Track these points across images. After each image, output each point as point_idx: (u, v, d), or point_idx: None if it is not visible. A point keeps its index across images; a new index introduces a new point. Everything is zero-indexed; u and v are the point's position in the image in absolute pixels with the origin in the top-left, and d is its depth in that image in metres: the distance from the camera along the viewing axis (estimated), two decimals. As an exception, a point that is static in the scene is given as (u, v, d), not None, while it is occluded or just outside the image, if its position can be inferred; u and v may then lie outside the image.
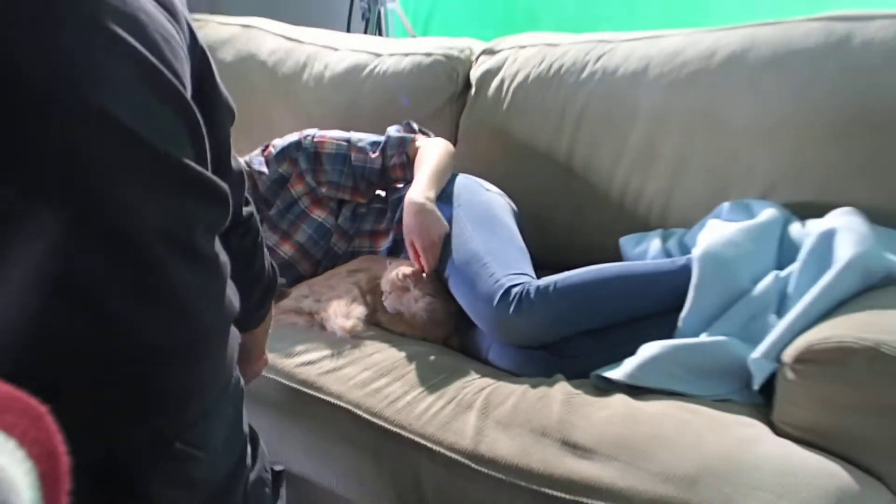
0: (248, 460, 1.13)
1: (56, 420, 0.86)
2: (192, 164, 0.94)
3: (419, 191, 1.66)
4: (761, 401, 1.28)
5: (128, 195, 0.88)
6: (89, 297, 0.87)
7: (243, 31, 2.42)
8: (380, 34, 3.31)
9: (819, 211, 1.47)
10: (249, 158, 1.88)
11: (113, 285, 0.88)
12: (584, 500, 1.17)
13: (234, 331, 1.08)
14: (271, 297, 1.30)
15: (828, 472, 1.11)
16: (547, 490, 1.20)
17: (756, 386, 1.28)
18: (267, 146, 1.88)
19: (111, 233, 0.88)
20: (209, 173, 0.97)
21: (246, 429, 1.13)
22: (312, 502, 1.64)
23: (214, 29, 2.48)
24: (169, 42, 0.94)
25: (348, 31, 3.25)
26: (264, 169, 1.84)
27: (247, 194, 1.18)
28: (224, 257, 1.03)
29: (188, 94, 0.96)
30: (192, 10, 2.49)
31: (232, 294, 1.05)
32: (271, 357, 1.55)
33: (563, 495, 1.19)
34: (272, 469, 1.24)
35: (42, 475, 0.35)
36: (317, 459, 1.54)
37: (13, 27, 0.82)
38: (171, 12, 0.99)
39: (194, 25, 1.06)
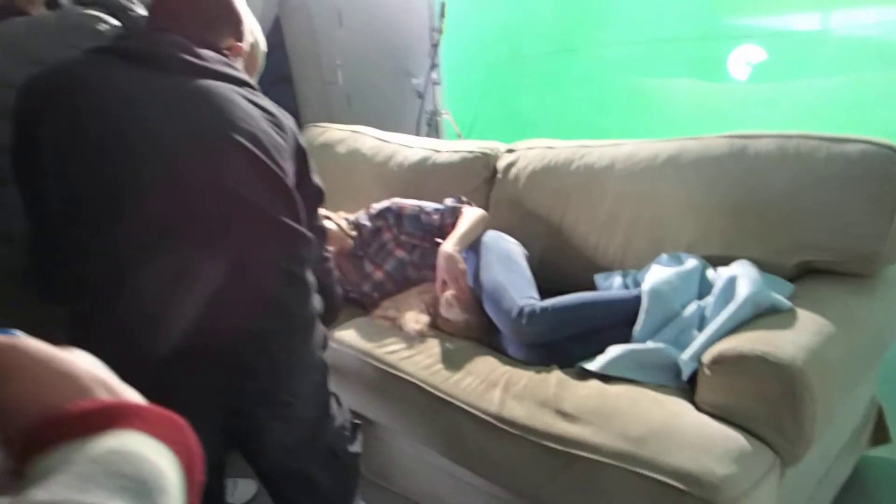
0: (333, 411, 1.14)
1: (211, 378, 0.87)
2: (288, 220, 0.99)
3: (448, 244, 1.67)
4: (686, 387, 1.27)
5: (255, 242, 0.95)
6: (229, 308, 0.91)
7: (352, 135, 2.46)
8: (438, 135, 3.35)
9: (724, 261, 1.45)
10: (357, 216, 1.91)
11: (244, 297, 0.93)
12: (571, 450, 1.18)
13: (320, 326, 1.09)
14: (333, 312, 1.31)
15: (731, 436, 1.11)
16: (546, 443, 1.21)
17: (684, 377, 1.27)
18: (369, 208, 1.91)
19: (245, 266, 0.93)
20: (298, 225, 1.01)
21: (331, 388, 1.14)
22: (387, 447, 1.64)
23: (333, 133, 2.53)
24: (277, 148, 1.00)
25: (417, 133, 3.28)
26: (367, 223, 1.87)
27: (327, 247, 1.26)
28: (311, 279, 1.06)
29: (289, 179, 1.01)
30: (315, 120, 2.55)
31: (317, 302, 1.07)
32: (367, 346, 1.57)
33: (556, 446, 1.20)
34: (352, 421, 1.23)
35: (184, 466, 0.34)
36: (392, 418, 1.54)
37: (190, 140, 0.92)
38: (281, 129, 1.04)
39: (300, 136, 1.12)
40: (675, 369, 1.29)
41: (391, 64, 3.75)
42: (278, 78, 4.17)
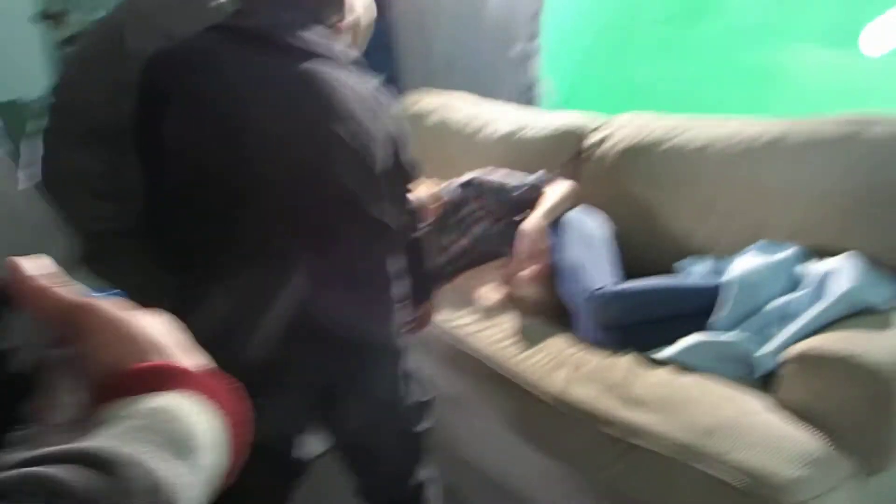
0: (406, 393, 1.14)
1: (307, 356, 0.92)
2: (374, 213, 1.02)
3: (533, 218, 1.68)
4: (763, 384, 1.22)
5: (342, 233, 1.00)
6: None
7: (446, 103, 2.49)
8: (536, 104, 3.29)
9: (832, 253, 1.35)
10: (441, 187, 1.94)
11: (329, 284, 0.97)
12: (632, 439, 1.17)
13: (398, 318, 1.10)
14: (428, 289, 1.32)
15: (807, 439, 1.06)
16: (608, 429, 1.21)
17: (757, 374, 1.22)
18: (452, 180, 1.94)
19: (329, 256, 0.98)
20: (382, 216, 1.03)
21: (404, 371, 1.14)
22: (457, 417, 1.68)
23: (428, 101, 2.56)
24: (370, 136, 1.02)
25: (516, 101, 3.23)
26: (451, 195, 1.90)
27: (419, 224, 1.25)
28: (393, 268, 1.08)
29: (377, 167, 1.03)
30: (413, 87, 2.58)
31: (397, 288, 1.09)
32: (439, 318, 1.61)
33: (618, 434, 1.19)
34: (424, 399, 1.23)
35: (230, 427, 0.36)
36: (460, 390, 1.57)
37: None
38: (376, 117, 1.05)
39: (396, 118, 1.13)
40: (752, 364, 1.24)
41: (493, 31, 3.70)
42: (380, 45, 4.25)
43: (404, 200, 1.17)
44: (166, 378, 0.34)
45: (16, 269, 0.34)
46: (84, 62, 1.17)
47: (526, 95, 3.33)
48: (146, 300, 0.44)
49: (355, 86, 1.03)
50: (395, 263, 1.09)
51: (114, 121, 1.02)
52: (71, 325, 0.35)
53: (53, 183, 1.13)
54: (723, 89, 2.99)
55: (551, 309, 1.62)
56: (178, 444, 0.31)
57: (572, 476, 1.31)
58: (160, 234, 1.00)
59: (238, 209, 0.93)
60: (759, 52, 3.05)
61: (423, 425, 1.20)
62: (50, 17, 2.73)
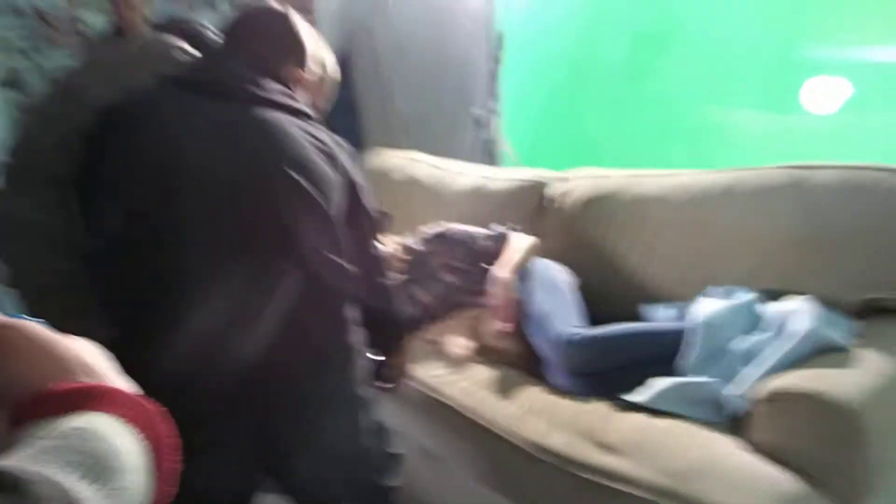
0: (373, 445, 1.11)
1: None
2: (330, 254, 1.00)
3: (503, 269, 1.69)
4: (733, 424, 1.22)
5: (295, 275, 0.96)
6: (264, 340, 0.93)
7: (409, 162, 2.53)
8: (495, 163, 3.37)
9: (782, 296, 1.40)
10: (408, 240, 1.94)
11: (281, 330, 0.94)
12: (610, 483, 1.15)
13: (360, 361, 1.08)
14: (400, 339, 1.29)
15: (783, 478, 1.06)
16: (585, 475, 1.19)
17: (727, 413, 1.23)
18: (419, 233, 1.95)
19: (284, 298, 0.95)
20: (336, 258, 1.02)
21: (370, 423, 1.11)
22: (430, 473, 1.64)
23: (390, 159, 2.60)
24: (325, 179, 1.02)
25: (473, 161, 3.30)
26: (418, 247, 1.90)
27: (388, 272, 1.24)
28: (351, 314, 1.06)
29: (333, 210, 1.03)
30: (372, 146, 2.62)
31: (357, 336, 1.08)
32: (413, 367, 1.58)
33: (595, 479, 1.17)
34: (393, 453, 1.20)
35: (154, 451, 0.35)
36: (433, 441, 1.55)
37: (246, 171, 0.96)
38: (333, 161, 1.06)
39: (353, 168, 1.12)
40: (720, 404, 1.24)
41: (451, 94, 3.82)
42: (346, 108, 4.33)
43: (368, 246, 1.16)
44: (92, 398, 0.33)
45: None
46: (45, 112, 1.16)
47: (485, 154, 3.42)
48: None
49: (311, 131, 1.05)
50: (353, 310, 1.07)
51: (70, 171, 1.01)
52: None
53: (6, 234, 1.09)
54: (668, 144, 3.14)
55: (522, 357, 1.61)
56: (97, 464, 0.30)
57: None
58: (97, 286, 0.98)
59: (177, 254, 0.91)
60: (703, 109, 3.22)
61: (390, 481, 1.15)
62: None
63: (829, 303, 1.36)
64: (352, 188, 1.10)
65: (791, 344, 1.21)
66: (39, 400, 0.32)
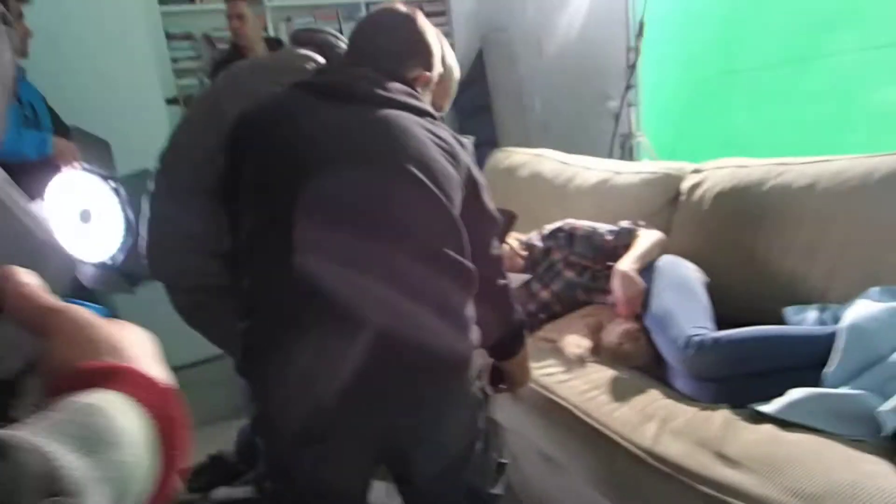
0: (479, 449, 1.08)
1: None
2: (450, 251, 0.99)
3: (625, 264, 1.60)
4: (890, 445, 1.05)
5: (414, 272, 0.96)
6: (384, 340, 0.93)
7: (535, 158, 2.48)
8: (632, 158, 3.22)
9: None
10: (530, 236, 1.91)
11: (399, 329, 0.94)
12: (727, 498, 1.04)
13: (476, 361, 1.05)
14: (519, 340, 1.25)
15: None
16: (700, 486, 1.09)
17: (885, 432, 1.06)
18: (542, 229, 1.91)
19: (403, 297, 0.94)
20: (458, 256, 1.00)
21: (481, 425, 1.08)
22: (545, 474, 1.60)
23: (517, 157, 2.57)
24: (447, 177, 1.01)
25: (610, 156, 3.18)
26: (538, 243, 1.87)
27: (507, 274, 1.19)
28: (470, 313, 1.03)
29: (455, 208, 1.01)
30: (504, 144, 2.62)
31: (475, 335, 1.04)
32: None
33: (711, 492, 1.07)
34: (498, 462, 1.17)
35: (163, 433, 0.35)
36: (547, 442, 1.50)
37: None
38: (455, 159, 1.05)
39: (474, 166, 1.11)
40: (876, 422, 1.08)
41: (588, 88, 3.72)
42: (480, 107, 4.38)
43: (488, 246, 1.13)
44: (107, 378, 0.34)
45: (3, 274, 0.36)
46: (187, 126, 1.29)
47: (622, 148, 3.28)
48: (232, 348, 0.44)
49: (433, 130, 1.05)
50: (472, 309, 1.04)
51: (214, 179, 1.10)
52: (44, 326, 0.36)
53: (161, 241, 1.22)
54: (843, 135, 2.78)
55: (644, 359, 1.51)
56: (92, 437, 0.30)
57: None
58: (238, 279, 1.02)
59: (305, 248, 0.93)
60: (883, 93, 2.83)
61: (496, 489, 1.13)
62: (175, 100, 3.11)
63: None
64: (473, 186, 1.09)
65: (965, 354, 1.02)
66: (66, 377, 0.34)
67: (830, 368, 1.20)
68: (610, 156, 3.24)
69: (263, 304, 0.97)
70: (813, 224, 1.50)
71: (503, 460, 1.17)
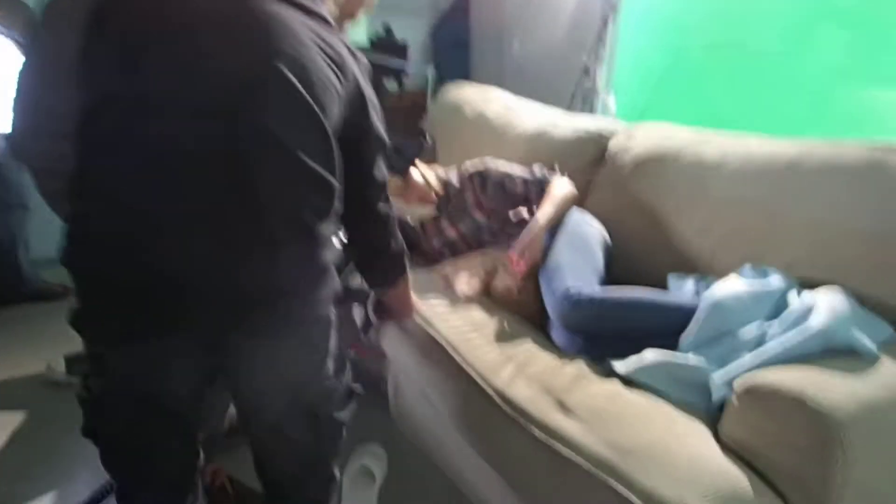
0: (325, 372, 1.04)
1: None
2: (316, 167, 0.91)
3: (539, 224, 1.59)
4: (716, 413, 1.10)
5: (265, 175, 0.88)
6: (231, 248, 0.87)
7: (483, 97, 2.44)
8: (590, 112, 3.17)
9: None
10: (448, 173, 1.90)
11: (249, 239, 0.88)
12: (552, 441, 1.08)
13: (330, 285, 0.99)
14: (400, 268, 1.22)
15: (734, 477, 0.95)
16: (533, 429, 1.13)
17: (714, 400, 1.11)
18: (461, 167, 1.89)
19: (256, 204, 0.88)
20: (325, 173, 0.94)
21: (329, 350, 1.03)
22: (418, 406, 1.64)
23: (466, 93, 2.52)
24: (325, 85, 0.93)
25: (569, 109, 3.13)
26: (454, 180, 1.86)
27: (390, 200, 1.16)
28: (327, 231, 0.97)
29: (328, 119, 0.94)
30: (477, 83, 2.52)
31: (330, 255, 0.98)
32: (417, 295, 1.56)
33: (541, 435, 1.11)
34: (349, 387, 1.14)
35: None
36: (413, 364, 1.53)
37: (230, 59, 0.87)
38: (342, 70, 0.98)
39: (366, 83, 1.04)
40: (710, 391, 1.12)
41: (569, 38, 3.64)
42: (458, 42, 4.27)
43: (371, 168, 1.09)
44: None
45: None
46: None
47: (585, 103, 3.24)
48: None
49: (322, 34, 0.97)
50: (331, 228, 0.99)
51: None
52: None
53: (29, 120, 1.05)
54: (817, 131, 2.77)
55: (531, 309, 1.54)
56: None
57: (502, 475, 1.23)
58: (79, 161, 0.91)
59: (150, 138, 0.85)
60: (851, 91, 2.81)
61: (342, 415, 1.11)
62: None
63: (875, 303, 1.17)
64: (360, 103, 1.03)
65: (798, 339, 1.06)
66: None
67: (686, 336, 1.24)
68: (570, 109, 3.21)
69: (94, 189, 0.88)
70: (714, 200, 1.51)
71: (356, 386, 1.15)
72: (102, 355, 0.92)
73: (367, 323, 1.36)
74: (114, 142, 0.86)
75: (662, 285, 1.49)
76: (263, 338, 0.94)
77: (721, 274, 1.42)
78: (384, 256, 1.20)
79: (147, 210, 0.85)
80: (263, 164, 0.88)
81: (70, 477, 1.59)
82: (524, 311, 1.54)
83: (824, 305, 1.10)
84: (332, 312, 1.02)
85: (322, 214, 0.96)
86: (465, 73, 4.17)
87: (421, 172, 1.82)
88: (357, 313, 1.53)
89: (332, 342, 1.03)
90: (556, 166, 1.78)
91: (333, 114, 0.97)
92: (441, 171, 1.90)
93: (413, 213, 1.70)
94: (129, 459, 1.00)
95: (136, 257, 0.85)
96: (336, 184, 0.97)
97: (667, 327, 1.28)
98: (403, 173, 1.61)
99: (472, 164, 1.84)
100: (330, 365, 1.03)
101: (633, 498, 0.93)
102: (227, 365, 0.97)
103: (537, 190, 1.72)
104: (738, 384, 1.02)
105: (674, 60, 3.47)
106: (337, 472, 1.15)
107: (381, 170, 1.12)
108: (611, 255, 1.65)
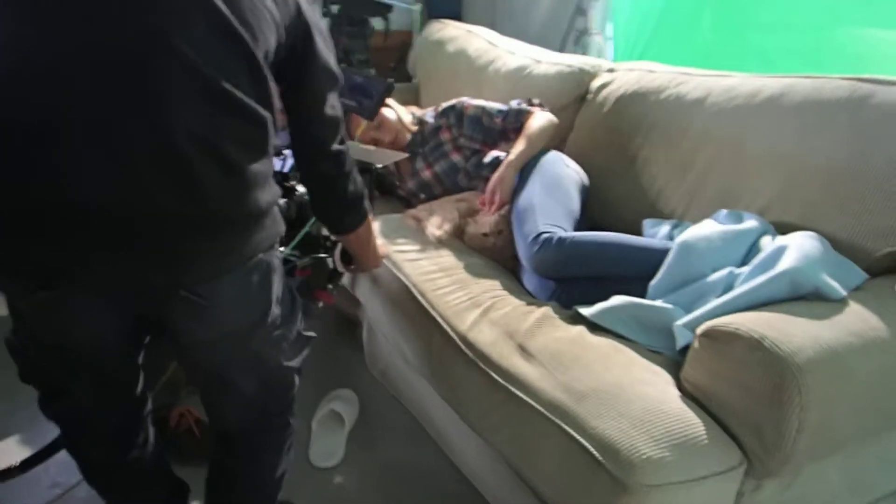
0: (273, 318, 0.97)
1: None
2: (235, 90, 0.82)
3: (508, 160, 1.55)
4: (679, 359, 1.06)
5: (168, 91, 0.78)
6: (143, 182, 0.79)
7: (465, 34, 2.34)
8: (582, 53, 3.05)
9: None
10: (424, 112, 1.83)
11: (165, 172, 0.79)
12: (509, 386, 1.06)
13: (268, 228, 0.92)
14: (356, 215, 1.14)
15: (690, 422, 0.92)
16: (491, 372, 1.11)
17: (678, 347, 1.07)
18: (438, 106, 1.83)
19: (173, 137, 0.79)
20: (250, 101, 0.84)
21: (273, 296, 0.96)
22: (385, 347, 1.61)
23: (450, 30, 2.43)
24: (256, 10, 0.84)
25: (561, 51, 3.01)
26: (431, 120, 1.79)
27: (343, 138, 1.07)
28: (260, 168, 0.88)
29: (259, 48, 0.85)
30: (467, 21, 2.40)
31: (262, 196, 0.89)
32: (388, 240, 1.52)
33: (498, 378, 1.09)
34: (302, 333, 1.08)
35: None
36: (382, 309, 1.50)
37: None
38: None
39: (308, 9, 0.95)
40: (673, 336, 1.09)
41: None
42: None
43: (322, 102, 1.01)
44: None
45: None
46: None
47: (577, 44, 3.12)
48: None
49: None
50: (267, 164, 0.91)
51: None
52: None
53: None
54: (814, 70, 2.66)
55: (505, 254, 1.50)
56: None
57: (462, 418, 1.22)
58: None
59: (57, 54, 0.75)
60: (851, 31, 2.68)
61: (292, 362, 1.06)
62: None
63: (848, 248, 1.13)
64: (304, 32, 0.95)
65: (764, 281, 1.02)
66: None
67: (654, 281, 1.20)
68: (562, 50, 3.09)
69: None
70: (693, 139, 1.46)
71: (309, 333, 1.11)
72: (12, 302, 0.87)
73: (334, 271, 1.32)
74: (22, 56, 0.75)
75: (638, 231, 1.45)
76: (189, 281, 0.86)
77: (696, 219, 1.37)
78: (339, 200, 1.12)
79: (40, 121, 0.76)
80: (164, 76, 0.78)
81: (34, 420, 1.58)
82: (498, 256, 1.51)
83: (794, 248, 1.06)
84: (276, 257, 0.96)
85: (251, 150, 0.87)
86: (455, 12, 4.01)
87: (394, 110, 1.76)
88: (330, 261, 1.49)
89: (277, 289, 0.97)
90: (536, 100, 1.71)
91: (268, 41, 0.88)
92: (418, 111, 1.83)
93: (383, 158, 1.63)
94: (64, 408, 0.97)
95: (28, 175, 0.76)
96: (268, 116, 0.88)
97: (640, 272, 1.24)
98: (371, 115, 1.53)
99: (447, 103, 1.77)
100: (276, 311, 0.97)
101: (584, 442, 0.92)
102: (152, 313, 0.91)
103: (515, 123, 1.66)
104: (700, 328, 0.99)
105: (669, 4, 3.32)
106: (292, 421, 1.13)
107: (335, 108, 1.04)
108: (587, 197, 1.60)
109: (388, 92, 1.60)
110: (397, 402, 1.67)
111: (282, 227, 0.96)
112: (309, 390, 1.72)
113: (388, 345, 1.61)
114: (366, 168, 1.53)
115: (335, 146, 1.06)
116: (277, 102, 0.93)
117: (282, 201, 1.43)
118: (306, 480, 1.45)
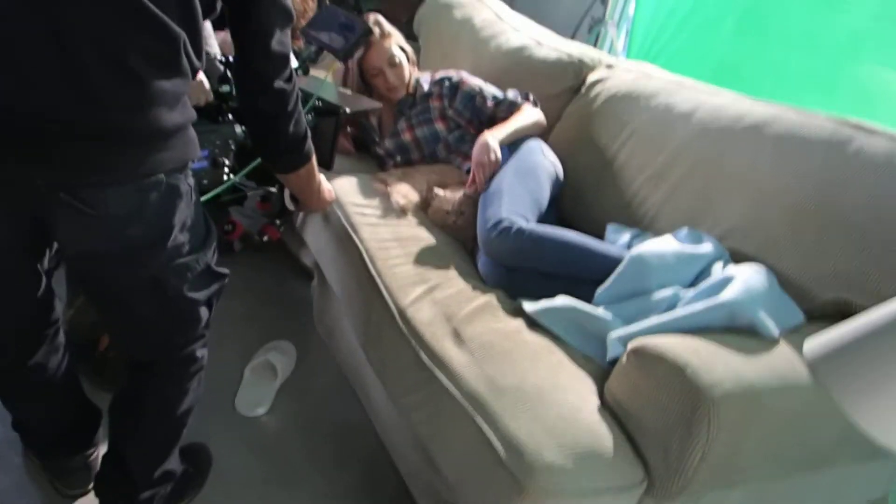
0: (179, 247, 0.96)
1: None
2: (153, 7, 0.79)
3: (492, 134, 1.53)
4: (609, 369, 1.06)
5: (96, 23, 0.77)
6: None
7: (475, 1, 2.28)
8: (594, 44, 3.00)
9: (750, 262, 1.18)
10: (421, 75, 1.81)
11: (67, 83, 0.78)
12: (435, 368, 1.06)
13: (177, 150, 0.90)
14: (297, 155, 1.13)
15: (600, 435, 0.93)
16: (421, 352, 1.11)
17: (608, 358, 1.08)
18: (435, 72, 1.80)
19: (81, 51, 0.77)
20: (163, 15, 0.81)
21: (176, 222, 0.93)
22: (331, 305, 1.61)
23: (460, -5, 2.36)
24: None
25: (573, 37, 2.96)
26: (425, 84, 1.77)
27: (299, 76, 1.03)
28: (169, 87, 0.85)
29: None
30: None
31: (168, 115, 0.86)
32: (344, 199, 1.50)
33: (426, 360, 1.09)
34: (214, 270, 1.06)
35: None
36: (330, 264, 1.50)
37: None
38: None
39: None
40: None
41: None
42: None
43: (269, 36, 0.98)
44: None
45: None
46: None
47: (589, 31, 3.06)
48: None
49: None
50: (178, 86, 0.87)
51: None
52: None
53: None
54: (823, 104, 2.63)
55: (467, 234, 1.48)
56: None
57: (387, 392, 1.22)
58: None
59: None
60: (868, 66, 2.65)
61: (197, 294, 1.03)
62: None
63: (797, 288, 1.13)
64: None
65: (703, 309, 1.02)
66: None
67: (602, 288, 1.20)
68: (574, 35, 3.04)
69: None
70: (672, 152, 1.44)
71: (221, 269, 1.08)
72: None
73: (283, 209, 1.29)
74: None
75: (602, 233, 1.44)
76: (67, 179, 0.83)
77: (661, 231, 1.37)
78: (279, 139, 1.09)
79: None
80: (104, 11, 0.77)
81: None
82: (459, 235, 1.49)
83: (740, 281, 1.06)
84: (184, 182, 0.93)
85: (160, 66, 0.84)
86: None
87: (406, 53, 1.74)
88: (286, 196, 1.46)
89: (183, 214, 0.94)
90: (532, 96, 1.69)
91: None
92: (416, 72, 1.80)
93: (355, 105, 1.60)
94: None
95: None
96: (181, 34, 0.84)
97: (591, 275, 1.24)
98: (344, 56, 1.48)
99: (445, 72, 1.74)
100: (181, 238, 0.95)
101: (493, 438, 0.92)
102: (44, 216, 0.87)
103: (506, 112, 1.65)
104: (631, 344, 0.99)
105: (696, 7, 3.26)
106: (199, 354, 1.11)
107: (283, 44, 1.01)
108: (559, 191, 1.59)
109: (367, 35, 1.53)
110: (335, 360, 1.67)
111: (194, 153, 0.93)
112: (251, 335, 1.73)
113: (336, 303, 1.60)
114: (333, 111, 1.50)
115: (279, 83, 1.03)
116: (207, 25, 0.88)
117: (239, 129, 1.41)
118: (227, 425, 1.45)
